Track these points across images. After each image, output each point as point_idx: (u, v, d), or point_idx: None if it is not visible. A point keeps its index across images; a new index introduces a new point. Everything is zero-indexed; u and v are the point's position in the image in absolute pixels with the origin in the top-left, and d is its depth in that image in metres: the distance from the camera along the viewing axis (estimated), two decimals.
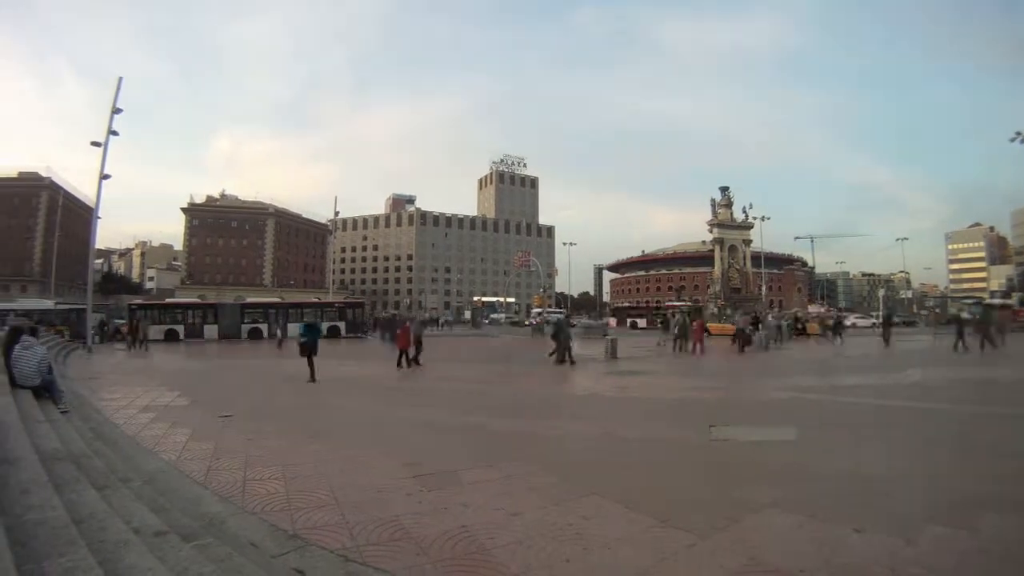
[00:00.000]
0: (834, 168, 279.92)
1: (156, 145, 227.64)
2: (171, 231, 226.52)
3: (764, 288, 75.95)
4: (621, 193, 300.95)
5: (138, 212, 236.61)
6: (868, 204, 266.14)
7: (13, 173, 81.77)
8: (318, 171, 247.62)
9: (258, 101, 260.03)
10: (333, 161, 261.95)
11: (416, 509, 4.84)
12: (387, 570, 3.68)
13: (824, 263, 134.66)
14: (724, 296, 66.57)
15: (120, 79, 27.16)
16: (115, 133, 26.88)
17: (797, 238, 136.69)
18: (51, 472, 4.00)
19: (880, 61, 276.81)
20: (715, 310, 60.32)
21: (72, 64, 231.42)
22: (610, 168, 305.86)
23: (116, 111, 26.74)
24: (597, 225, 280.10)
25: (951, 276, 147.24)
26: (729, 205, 70.69)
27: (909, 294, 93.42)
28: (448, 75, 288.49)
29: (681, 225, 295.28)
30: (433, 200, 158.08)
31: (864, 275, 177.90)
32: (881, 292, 60.93)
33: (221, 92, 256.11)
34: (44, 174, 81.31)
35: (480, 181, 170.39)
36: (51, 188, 79.16)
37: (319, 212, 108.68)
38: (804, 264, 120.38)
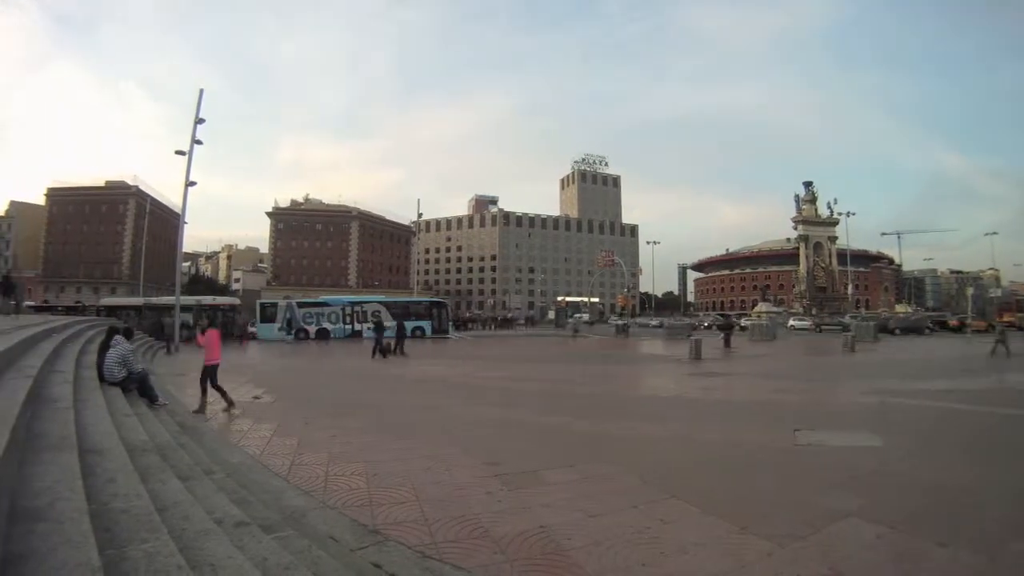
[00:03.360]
0: (903, 157, 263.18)
1: (227, 154, 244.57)
2: (245, 235, 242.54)
3: (851, 287, 72.63)
4: (701, 190, 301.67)
5: (212, 217, 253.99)
6: (943, 195, 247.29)
7: (100, 182, 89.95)
8: (383, 176, 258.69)
9: (322, 110, 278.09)
10: (396, 165, 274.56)
11: (495, 508, 4.95)
12: (464, 567, 3.76)
13: (909, 259, 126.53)
14: (809, 296, 64.18)
15: (201, 91, 28.91)
16: (199, 142, 28.63)
17: (884, 234, 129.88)
18: (137, 463, 4.25)
19: (944, 40, 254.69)
20: (800, 310, 58.36)
21: (142, 86, 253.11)
22: (688, 165, 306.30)
23: (199, 121, 28.45)
24: (678, 223, 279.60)
25: None
26: (813, 200, 68.41)
27: (999, 292, 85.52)
28: (500, 79, 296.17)
29: (761, 221, 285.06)
30: (505, 201, 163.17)
31: (952, 272, 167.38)
32: (970, 291, 56.56)
33: (284, 103, 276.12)
34: (131, 183, 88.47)
35: (562, 181, 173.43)
36: (138, 195, 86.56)
37: (399, 213, 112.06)
38: (890, 262, 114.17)
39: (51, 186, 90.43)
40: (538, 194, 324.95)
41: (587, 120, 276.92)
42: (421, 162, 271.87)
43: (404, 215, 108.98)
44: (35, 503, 2.72)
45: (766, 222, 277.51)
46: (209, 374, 10.34)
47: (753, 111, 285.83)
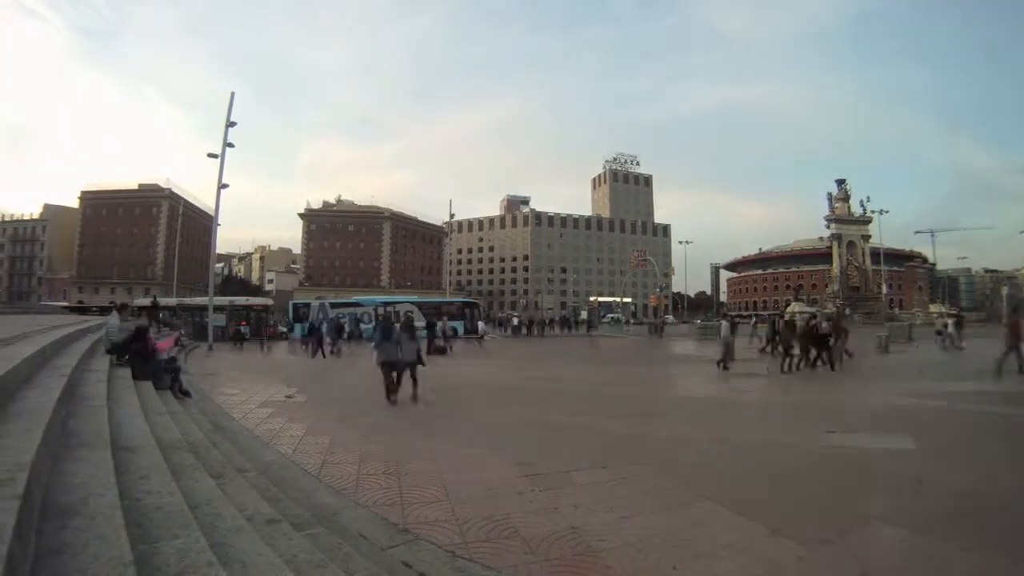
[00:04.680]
0: (931, 153, 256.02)
1: (253, 157, 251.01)
2: (273, 236, 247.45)
3: (884, 287, 71.24)
4: (728, 189, 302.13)
5: (241, 220, 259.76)
6: (974, 191, 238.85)
7: (133, 185, 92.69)
8: (404, 176, 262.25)
9: (344, 113, 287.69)
10: (417, 166, 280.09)
11: (527, 508, 4.98)
12: (494, 567, 3.80)
13: (942, 258, 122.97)
14: (843, 296, 63.25)
15: (232, 94, 29.58)
16: (231, 145, 29.26)
17: (917, 232, 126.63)
18: (170, 460, 4.34)
19: (968, 31, 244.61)
20: (833, 310, 57.45)
21: (165, 92, 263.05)
22: (715, 163, 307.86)
23: (230, 124, 29.08)
24: (706, 222, 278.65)
25: None
26: (846, 198, 67.37)
27: None
28: (521, 80, 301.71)
29: (790, 220, 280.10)
30: (535, 202, 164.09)
31: (987, 271, 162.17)
32: (1004, 290, 54.80)
33: (306, 108, 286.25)
34: (164, 185, 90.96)
35: (593, 180, 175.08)
36: (171, 198, 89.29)
37: (428, 214, 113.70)
38: (924, 260, 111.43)
39: (84, 189, 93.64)
40: (568, 195, 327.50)
41: (613, 120, 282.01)
42: (443, 164, 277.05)
43: (431, 215, 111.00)
44: (68, 499, 2.79)
45: (796, 220, 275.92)
46: None
47: (777, 107, 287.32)
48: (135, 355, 9.69)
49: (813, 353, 17.25)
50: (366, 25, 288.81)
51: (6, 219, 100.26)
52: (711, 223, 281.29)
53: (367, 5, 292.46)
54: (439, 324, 26.86)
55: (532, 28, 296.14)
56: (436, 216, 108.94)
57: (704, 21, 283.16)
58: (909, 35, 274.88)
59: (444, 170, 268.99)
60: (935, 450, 7.34)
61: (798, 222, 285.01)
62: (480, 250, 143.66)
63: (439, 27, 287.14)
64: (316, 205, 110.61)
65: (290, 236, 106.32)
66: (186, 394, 9.60)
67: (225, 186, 29.92)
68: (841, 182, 67.49)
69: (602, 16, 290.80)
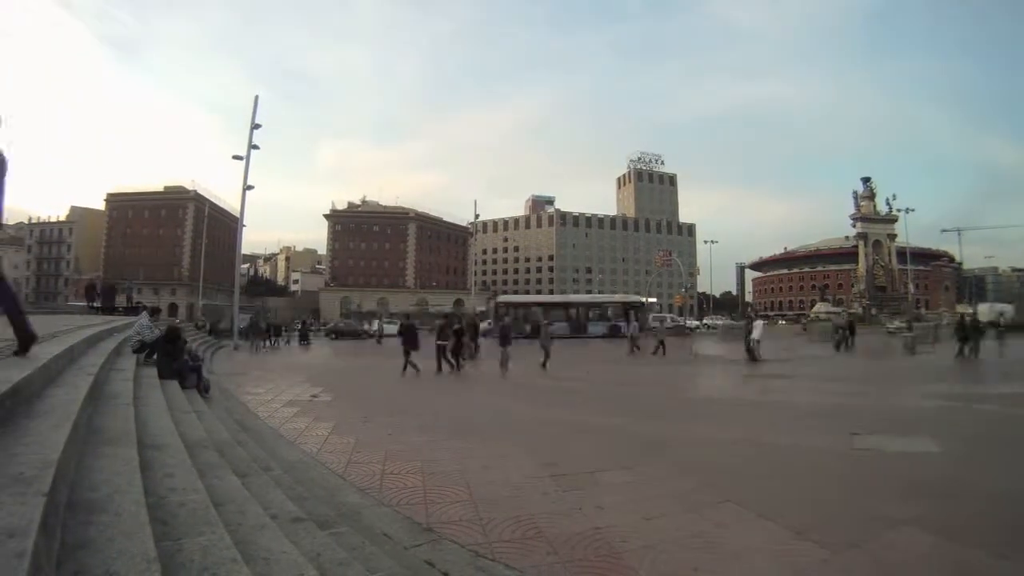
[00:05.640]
0: (955, 149, 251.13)
1: (275, 159, 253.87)
2: (295, 237, 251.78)
3: (911, 286, 70.25)
4: (751, 187, 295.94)
5: (265, 220, 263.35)
6: (998, 188, 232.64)
7: (159, 188, 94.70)
8: (426, 178, 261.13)
9: (364, 115, 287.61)
10: (438, 167, 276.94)
11: (550, 509, 5.02)
12: (517, 567, 3.83)
13: (968, 257, 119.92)
14: (869, 295, 62.60)
15: (256, 97, 30.34)
16: (256, 147, 29.77)
17: (944, 231, 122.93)
18: (195, 458, 4.39)
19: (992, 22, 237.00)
20: (859, 310, 56.84)
21: (189, 97, 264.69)
22: (735, 161, 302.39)
23: (255, 127, 29.55)
24: (730, 221, 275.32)
25: None
26: (872, 197, 67.00)
27: None
28: (541, 80, 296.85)
29: (814, 218, 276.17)
30: (559, 202, 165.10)
31: (1014, 271, 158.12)
32: None
33: (330, 110, 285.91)
34: (189, 188, 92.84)
35: (618, 180, 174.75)
36: (197, 199, 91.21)
37: (451, 213, 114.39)
38: (951, 259, 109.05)
39: (111, 192, 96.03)
40: (592, 194, 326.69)
41: (635, 119, 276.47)
42: (466, 165, 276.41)
43: (456, 216, 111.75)
44: (94, 495, 2.82)
45: (820, 219, 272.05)
46: None
47: (799, 104, 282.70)
48: (164, 354, 9.87)
49: None
50: (387, 29, 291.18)
51: (33, 222, 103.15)
52: (735, 222, 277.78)
53: (388, 10, 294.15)
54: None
55: (552, 29, 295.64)
56: (460, 216, 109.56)
57: (720, 18, 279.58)
58: (932, 28, 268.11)
59: (466, 171, 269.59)
60: (963, 452, 7.30)
61: (822, 220, 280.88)
62: (505, 250, 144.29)
63: (460, 30, 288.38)
64: (341, 206, 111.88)
65: (315, 237, 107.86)
66: (206, 391, 9.80)
67: (250, 187, 30.41)
68: (866, 180, 66.92)
69: (620, 15, 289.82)
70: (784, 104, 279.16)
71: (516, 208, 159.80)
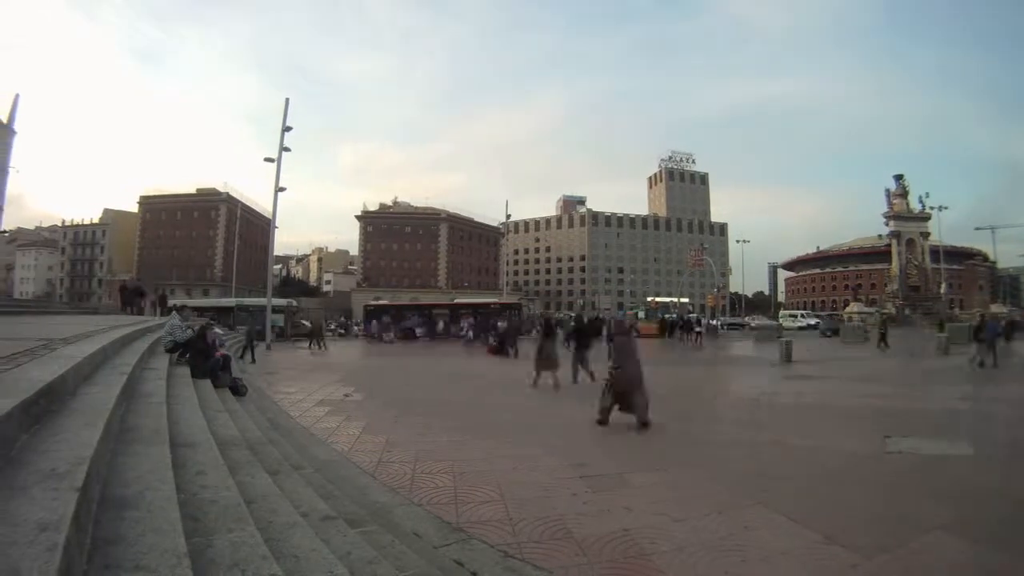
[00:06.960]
0: (988, 144, 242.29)
1: (310, 162, 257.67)
2: (325, 238, 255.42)
3: (944, 286, 68.58)
4: (781, 185, 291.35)
5: (297, 222, 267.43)
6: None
7: (192, 190, 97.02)
8: (452, 179, 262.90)
9: (389, 118, 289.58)
10: (463, 168, 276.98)
11: (580, 510, 5.05)
12: (545, 568, 3.86)
13: (1003, 255, 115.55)
14: (902, 295, 61.42)
15: (287, 100, 30.66)
16: (287, 149, 30.19)
17: (978, 228, 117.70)
18: (227, 456, 4.47)
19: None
20: (892, 310, 55.76)
21: (220, 105, 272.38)
22: (772, 159, 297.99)
23: (286, 129, 29.95)
24: (761, 220, 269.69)
25: None
26: (904, 195, 66.03)
27: None
28: (563, 79, 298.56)
29: (844, 217, 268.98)
30: (590, 202, 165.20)
31: None
32: None
33: (358, 113, 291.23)
34: (221, 190, 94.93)
35: (649, 180, 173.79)
36: (229, 201, 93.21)
37: (481, 214, 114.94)
38: (985, 258, 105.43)
39: (144, 194, 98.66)
40: (622, 194, 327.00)
41: (664, 118, 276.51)
42: (495, 166, 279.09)
43: (486, 216, 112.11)
44: (126, 492, 2.88)
45: (851, 218, 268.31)
46: None
47: (828, 100, 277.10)
48: (196, 353, 10.08)
49: None
50: (410, 34, 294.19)
51: (67, 224, 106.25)
52: (767, 221, 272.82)
53: (409, 15, 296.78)
54: None
55: (573, 29, 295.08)
56: (490, 216, 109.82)
57: (745, 15, 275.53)
58: (967, 18, 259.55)
59: (495, 172, 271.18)
60: (997, 456, 7.18)
61: (853, 220, 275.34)
62: (536, 250, 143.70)
63: (481, 33, 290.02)
64: (373, 207, 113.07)
65: (347, 238, 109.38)
66: (236, 390, 10.01)
67: (282, 189, 30.83)
68: (899, 178, 65.78)
69: (639, 16, 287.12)
70: (813, 101, 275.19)
71: (545, 209, 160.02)
